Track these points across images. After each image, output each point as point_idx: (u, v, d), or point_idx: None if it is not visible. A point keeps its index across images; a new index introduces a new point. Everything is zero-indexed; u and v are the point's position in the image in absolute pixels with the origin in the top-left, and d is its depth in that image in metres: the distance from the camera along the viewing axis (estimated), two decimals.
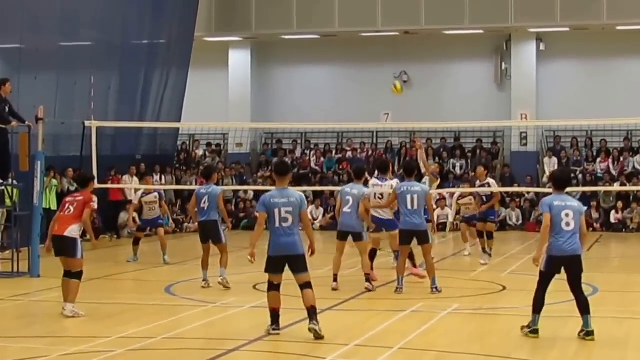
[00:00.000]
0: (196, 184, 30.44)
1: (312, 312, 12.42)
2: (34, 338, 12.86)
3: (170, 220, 28.59)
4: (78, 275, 14.42)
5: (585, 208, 12.71)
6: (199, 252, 18.13)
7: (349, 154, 36.22)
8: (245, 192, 34.24)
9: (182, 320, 14.16)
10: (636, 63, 35.25)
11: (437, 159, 34.51)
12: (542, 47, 35.47)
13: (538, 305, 12.53)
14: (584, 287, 12.67)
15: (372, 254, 18.04)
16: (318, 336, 12.31)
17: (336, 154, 36.65)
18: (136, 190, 23.80)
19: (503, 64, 36.08)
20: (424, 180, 20.17)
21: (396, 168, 29.60)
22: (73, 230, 14.37)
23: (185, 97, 33.87)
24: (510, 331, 12.98)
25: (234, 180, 34.65)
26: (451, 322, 14.20)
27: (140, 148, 32.28)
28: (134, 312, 15.05)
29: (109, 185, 28.04)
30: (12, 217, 20.25)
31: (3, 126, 19.68)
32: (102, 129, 23.99)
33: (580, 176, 33.58)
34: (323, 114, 34.74)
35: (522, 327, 12.69)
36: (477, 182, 22.35)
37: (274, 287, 12.66)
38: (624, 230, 31.71)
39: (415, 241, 16.84)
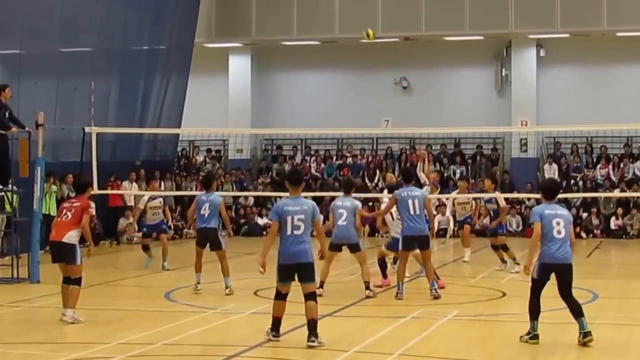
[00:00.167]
0: (196, 190, 30.46)
1: (311, 326, 12.38)
2: (34, 344, 12.84)
3: (171, 224, 28.55)
4: (78, 281, 14.40)
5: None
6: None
7: (350, 160, 36.23)
8: (246, 198, 34.25)
9: (182, 326, 14.13)
10: (636, 69, 35.26)
11: (437, 165, 34.55)
12: (542, 53, 35.49)
13: (534, 312, 12.57)
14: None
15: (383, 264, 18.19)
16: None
17: (336, 160, 36.64)
18: (138, 195, 23.75)
19: (503, 70, 36.11)
20: (424, 189, 20.16)
21: (396, 173, 29.64)
22: (71, 237, 14.35)
23: (186, 103, 33.89)
24: (510, 337, 12.96)
25: (234, 186, 34.66)
26: (451, 328, 14.19)
27: (140, 154, 32.28)
28: (134, 319, 15.04)
29: (110, 191, 28.05)
30: (11, 223, 20.23)
31: (3, 132, 19.69)
32: (102, 135, 23.99)
33: (580, 182, 33.61)
34: (323, 120, 34.74)
35: (521, 337, 12.68)
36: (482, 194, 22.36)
37: (281, 297, 12.61)
38: (624, 236, 31.70)
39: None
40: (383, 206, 19.36)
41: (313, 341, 12.28)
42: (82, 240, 14.77)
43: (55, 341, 13.02)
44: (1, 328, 14.15)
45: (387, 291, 17.58)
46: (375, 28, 34.62)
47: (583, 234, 31.78)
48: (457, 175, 34.41)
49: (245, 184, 35.42)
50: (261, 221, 33.47)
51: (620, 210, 32.19)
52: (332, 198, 32.20)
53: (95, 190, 21.37)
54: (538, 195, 13.57)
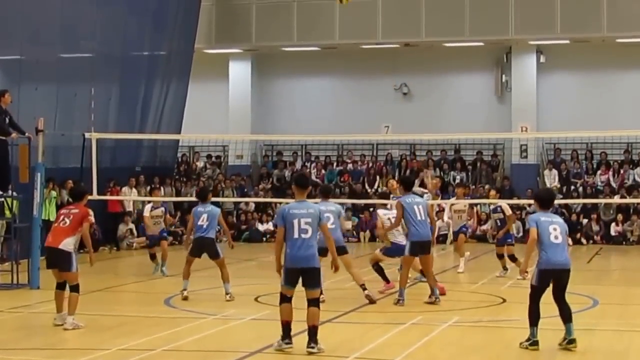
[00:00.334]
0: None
1: (312, 332, 12.33)
2: (34, 350, 12.84)
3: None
4: (76, 288, 14.38)
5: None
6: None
7: (350, 166, 36.23)
8: (247, 204, 34.24)
9: (181, 332, 14.11)
10: (636, 75, 35.26)
11: (437, 170, 34.56)
12: (542, 59, 35.49)
13: (534, 318, 12.59)
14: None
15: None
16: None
17: (337, 166, 36.64)
18: (143, 202, 23.72)
19: (503, 76, 36.11)
20: (425, 197, 20.18)
21: (396, 178, 29.64)
22: (68, 244, 14.34)
23: (186, 109, 33.87)
24: (510, 343, 12.95)
25: (235, 192, 34.65)
26: (451, 334, 14.17)
27: (140, 160, 32.27)
28: (134, 325, 15.02)
29: (111, 197, 28.03)
30: (11, 229, 20.22)
31: (3, 138, 19.68)
32: (102, 141, 23.99)
33: (580, 188, 33.61)
34: (323, 126, 34.74)
35: (521, 343, 12.68)
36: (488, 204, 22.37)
37: (286, 300, 12.49)
38: (624, 242, 31.69)
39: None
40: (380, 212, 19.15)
41: (313, 347, 12.24)
42: (82, 246, 14.76)
43: (55, 347, 13.01)
44: (1, 334, 14.12)
45: (387, 297, 17.55)
46: (375, 34, 34.83)
47: (583, 240, 31.79)
48: (457, 182, 34.42)
49: (245, 190, 35.42)
50: (262, 227, 33.47)
51: (620, 217, 32.19)
52: None
53: (95, 196, 21.47)
54: None
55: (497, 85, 36.24)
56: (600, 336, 12.90)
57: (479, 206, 31.63)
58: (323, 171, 36.34)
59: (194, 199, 22.54)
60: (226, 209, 34.24)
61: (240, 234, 33.01)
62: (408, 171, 34.39)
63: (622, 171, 33.94)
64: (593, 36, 33.86)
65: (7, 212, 20.21)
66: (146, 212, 22.49)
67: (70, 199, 15.81)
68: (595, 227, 32.24)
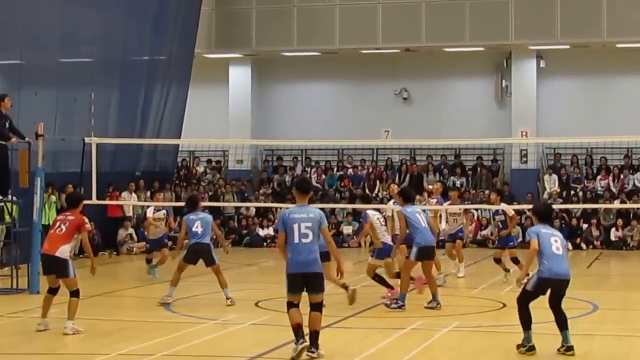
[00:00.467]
0: None
1: (313, 337, 12.29)
2: (33, 355, 12.83)
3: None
4: (76, 293, 14.38)
5: None
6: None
7: (350, 171, 36.24)
8: (247, 209, 34.23)
9: (182, 337, 14.11)
10: (636, 81, 35.28)
11: (437, 175, 34.57)
12: (542, 64, 35.50)
13: (526, 322, 12.60)
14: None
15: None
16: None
17: (337, 171, 36.64)
18: (145, 207, 23.74)
19: (503, 81, 36.12)
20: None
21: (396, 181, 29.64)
22: (64, 251, 14.36)
23: (186, 114, 33.89)
24: (510, 348, 12.92)
25: (235, 197, 34.63)
26: (452, 339, 14.16)
27: (140, 164, 32.27)
28: (134, 329, 15.01)
29: (111, 202, 28.01)
30: (11, 234, 20.21)
31: (3, 142, 19.67)
32: (101, 145, 23.99)
33: (580, 193, 33.60)
34: (323, 131, 34.75)
35: (518, 346, 12.68)
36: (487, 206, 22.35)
37: (294, 305, 12.36)
38: (624, 247, 31.66)
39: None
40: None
41: (313, 352, 12.21)
42: (81, 251, 14.75)
43: (55, 352, 13.00)
44: (1, 339, 14.11)
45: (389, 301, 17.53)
46: (375, 39, 34.85)
47: (583, 245, 31.76)
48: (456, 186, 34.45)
49: (246, 195, 35.41)
50: (262, 232, 33.44)
51: (620, 222, 32.16)
52: (333, 210, 32.53)
53: (94, 201, 21.48)
54: None
55: (497, 90, 36.25)
56: (600, 341, 12.89)
57: (479, 211, 31.66)
58: (323, 176, 36.33)
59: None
60: (227, 214, 34.30)
61: (241, 239, 33.00)
62: (407, 177, 34.47)
63: (622, 176, 33.94)
64: (593, 41, 33.88)
65: (7, 217, 20.20)
66: (149, 214, 22.58)
67: (66, 205, 15.73)
68: (595, 232, 32.22)
